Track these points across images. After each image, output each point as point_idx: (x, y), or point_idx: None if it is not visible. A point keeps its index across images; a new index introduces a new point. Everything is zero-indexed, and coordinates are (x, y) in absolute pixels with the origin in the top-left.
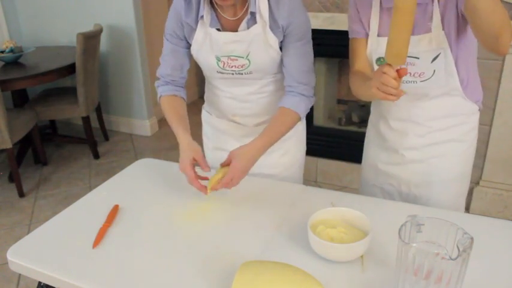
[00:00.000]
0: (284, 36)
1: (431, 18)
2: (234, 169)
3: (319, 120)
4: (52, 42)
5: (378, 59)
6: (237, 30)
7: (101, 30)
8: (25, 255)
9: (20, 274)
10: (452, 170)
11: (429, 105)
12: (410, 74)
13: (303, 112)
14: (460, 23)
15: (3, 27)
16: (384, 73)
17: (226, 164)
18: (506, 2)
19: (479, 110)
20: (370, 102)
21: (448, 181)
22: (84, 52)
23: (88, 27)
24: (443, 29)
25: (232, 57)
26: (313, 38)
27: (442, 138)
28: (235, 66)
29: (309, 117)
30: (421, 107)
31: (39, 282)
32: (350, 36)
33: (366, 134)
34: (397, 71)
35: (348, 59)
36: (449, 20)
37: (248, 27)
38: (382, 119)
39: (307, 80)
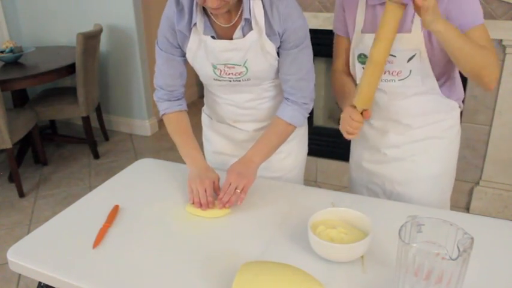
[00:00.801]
0: (280, 42)
1: (412, 20)
2: (230, 173)
3: (319, 120)
4: (52, 42)
5: (359, 56)
6: (232, 37)
7: (100, 30)
8: (25, 255)
9: (20, 274)
10: (434, 167)
11: (407, 103)
12: (389, 72)
13: (300, 123)
14: None
15: (3, 27)
16: (352, 119)
17: None
18: (507, 2)
19: (459, 107)
20: None
21: (430, 178)
22: (84, 52)
23: (88, 27)
24: (421, 31)
25: (229, 65)
26: (313, 38)
27: (421, 135)
28: (232, 73)
29: (309, 117)
30: (399, 106)
31: (39, 282)
32: (334, 31)
33: None
34: (362, 113)
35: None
36: None
37: (244, 34)
38: None
39: (304, 88)
